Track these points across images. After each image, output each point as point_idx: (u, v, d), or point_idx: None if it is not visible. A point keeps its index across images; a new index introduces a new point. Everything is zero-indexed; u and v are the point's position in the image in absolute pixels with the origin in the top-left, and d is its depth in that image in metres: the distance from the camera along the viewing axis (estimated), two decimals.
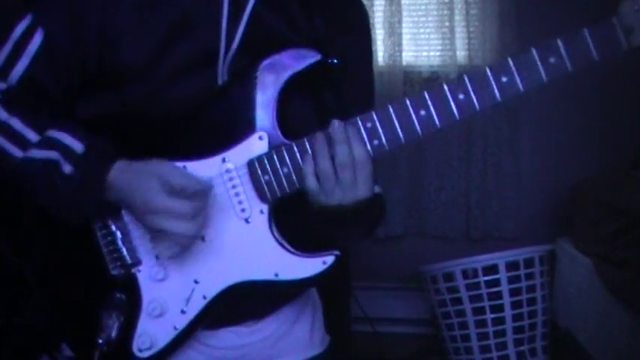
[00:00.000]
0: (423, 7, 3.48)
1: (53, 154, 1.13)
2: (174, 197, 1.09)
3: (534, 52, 1.06)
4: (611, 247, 2.86)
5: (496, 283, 2.92)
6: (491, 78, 1.07)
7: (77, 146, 1.13)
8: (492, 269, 2.92)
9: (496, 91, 1.07)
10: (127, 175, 1.12)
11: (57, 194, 1.14)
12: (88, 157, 1.13)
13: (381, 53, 3.44)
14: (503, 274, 2.91)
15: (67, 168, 1.12)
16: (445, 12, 3.40)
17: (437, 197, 3.51)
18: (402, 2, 3.40)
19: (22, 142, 1.14)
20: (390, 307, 3.56)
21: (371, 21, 3.37)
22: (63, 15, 1.17)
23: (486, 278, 2.92)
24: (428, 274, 3.07)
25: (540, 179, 3.49)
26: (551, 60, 1.05)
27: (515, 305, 2.92)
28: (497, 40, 3.32)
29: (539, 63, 1.05)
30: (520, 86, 1.07)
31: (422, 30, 3.49)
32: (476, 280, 2.94)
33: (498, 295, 2.92)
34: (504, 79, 1.07)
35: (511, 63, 1.07)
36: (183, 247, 1.13)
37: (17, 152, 1.14)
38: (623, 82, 3.28)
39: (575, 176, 3.27)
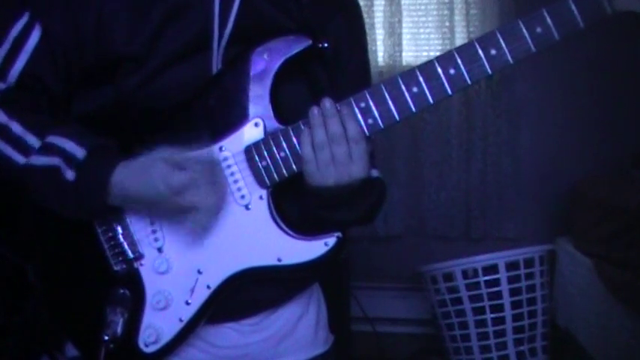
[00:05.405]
0: (423, 7, 3.48)
1: (55, 161, 1.13)
2: (186, 170, 1.10)
3: (521, 23, 1.07)
4: (611, 247, 2.85)
5: (496, 283, 2.91)
6: (480, 51, 1.08)
7: (78, 152, 1.13)
8: (492, 269, 2.91)
9: (486, 63, 1.09)
10: (132, 171, 1.12)
11: (61, 199, 1.14)
12: (89, 162, 1.13)
13: (381, 53, 3.44)
14: (503, 274, 2.90)
15: (69, 174, 1.13)
16: (445, 12, 3.40)
17: (437, 197, 3.50)
18: (402, 2, 3.41)
19: (23, 147, 1.14)
20: (390, 307, 3.55)
21: (371, 21, 3.38)
22: (60, 7, 1.17)
23: (486, 278, 2.91)
24: (428, 274, 3.07)
25: (540, 179, 3.49)
26: (538, 30, 1.06)
27: (515, 305, 2.91)
28: None
29: (526, 33, 1.07)
30: (509, 57, 1.08)
31: (422, 30, 3.49)
32: (476, 280, 2.93)
33: (498, 295, 2.91)
34: (493, 52, 1.08)
35: (499, 35, 1.08)
36: (210, 217, 1.12)
37: (19, 157, 1.14)
38: (623, 82, 3.28)
39: (575, 176, 3.27)
